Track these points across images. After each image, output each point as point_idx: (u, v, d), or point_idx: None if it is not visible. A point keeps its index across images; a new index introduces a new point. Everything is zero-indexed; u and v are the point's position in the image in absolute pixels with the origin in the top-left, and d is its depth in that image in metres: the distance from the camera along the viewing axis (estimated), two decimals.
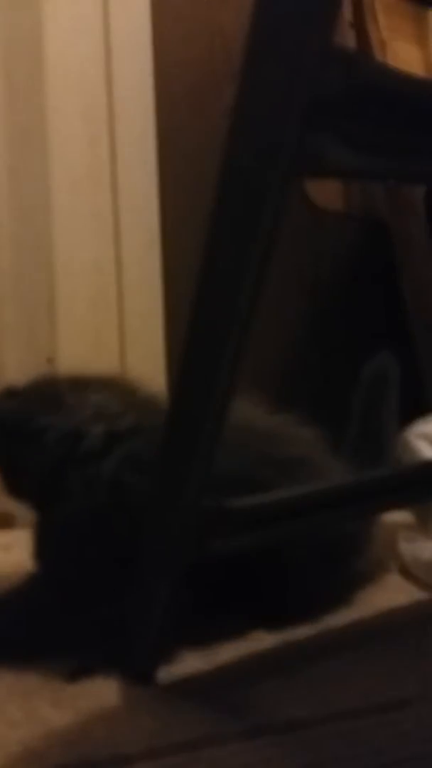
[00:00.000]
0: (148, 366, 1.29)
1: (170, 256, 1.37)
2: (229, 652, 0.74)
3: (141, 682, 0.68)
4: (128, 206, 1.35)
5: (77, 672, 0.70)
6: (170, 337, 1.34)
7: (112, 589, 0.70)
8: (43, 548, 0.76)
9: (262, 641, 0.76)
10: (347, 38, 1.41)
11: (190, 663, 0.71)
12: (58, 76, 1.30)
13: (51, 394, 0.77)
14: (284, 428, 0.84)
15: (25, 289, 1.29)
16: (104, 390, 0.78)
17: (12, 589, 0.76)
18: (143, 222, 1.36)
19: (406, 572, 0.94)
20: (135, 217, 1.35)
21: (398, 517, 1.01)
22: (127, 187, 1.35)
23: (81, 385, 0.78)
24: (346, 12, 1.40)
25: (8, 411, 0.75)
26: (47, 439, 0.73)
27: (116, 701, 0.65)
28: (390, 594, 0.88)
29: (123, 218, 1.35)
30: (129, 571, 0.66)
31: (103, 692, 0.67)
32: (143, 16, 1.36)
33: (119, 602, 0.68)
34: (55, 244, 1.29)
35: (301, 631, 0.78)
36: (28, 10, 1.28)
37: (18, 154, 1.29)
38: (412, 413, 1.08)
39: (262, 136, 0.52)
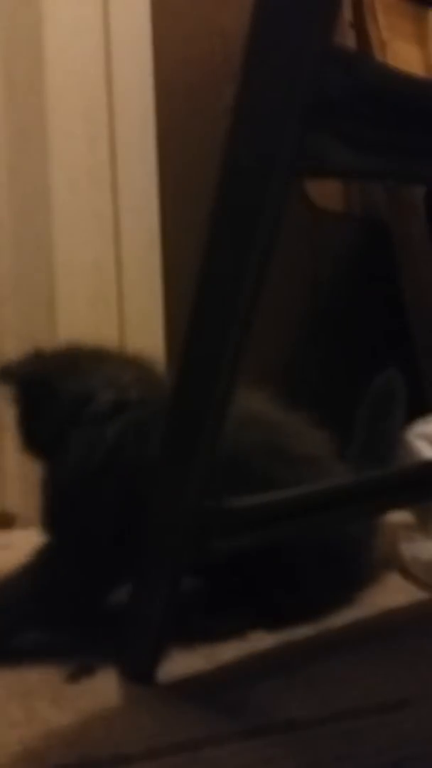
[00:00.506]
0: None
1: (170, 256, 1.37)
2: (229, 652, 0.74)
3: (141, 682, 0.68)
4: (128, 206, 1.35)
5: (77, 672, 0.70)
6: (170, 337, 1.34)
7: (105, 547, 0.74)
8: (43, 502, 0.80)
9: (262, 641, 0.76)
10: (347, 38, 1.41)
11: (190, 663, 0.71)
12: (58, 76, 1.30)
13: (71, 359, 0.83)
14: (300, 426, 0.86)
15: (25, 289, 1.29)
16: (121, 363, 0.84)
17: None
18: (143, 222, 1.36)
19: (406, 572, 0.94)
20: (135, 217, 1.35)
21: (398, 517, 1.01)
22: (127, 187, 1.35)
23: (102, 355, 0.84)
24: (346, 12, 1.40)
25: (29, 370, 0.82)
26: (60, 398, 0.79)
27: (116, 701, 0.65)
28: (390, 594, 0.88)
29: (123, 218, 1.35)
30: (121, 533, 0.70)
31: (103, 692, 0.67)
32: (143, 16, 1.36)
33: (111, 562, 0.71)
34: (55, 244, 1.29)
35: (301, 631, 0.78)
36: (28, 10, 1.28)
37: (18, 153, 1.29)
38: (412, 413, 1.08)
39: (262, 136, 0.52)
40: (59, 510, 0.78)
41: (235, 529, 0.68)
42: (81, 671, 0.70)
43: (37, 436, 0.82)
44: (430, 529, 0.98)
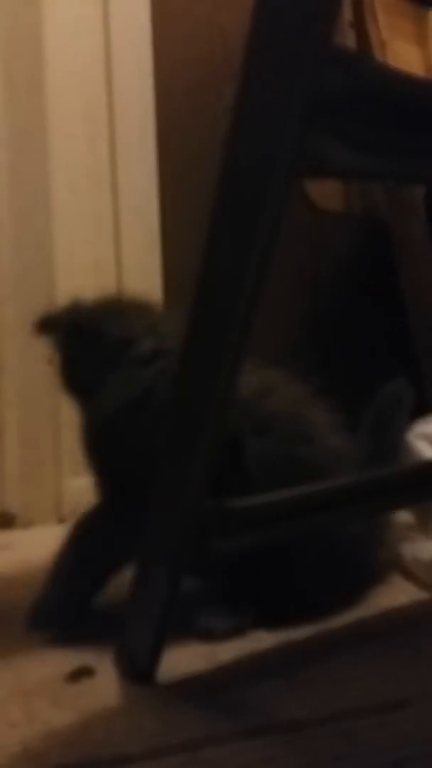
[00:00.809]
0: None
1: (170, 256, 1.37)
2: (229, 652, 0.74)
3: (141, 682, 0.68)
4: (128, 206, 1.35)
5: (77, 672, 0.70)
6: None
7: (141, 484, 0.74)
8: (84, 441, 0.84)
9: (262, 641, 0.76)
10: (347, 38, 1.41)
11: (190, 663, 0.71)
12: (58, 76, 1.30)
13: (114, 307, 0.88)
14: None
15: (25, 289, 1.29)
16: (160, 314, 0.90)
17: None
18: (143, 222, 1.36)
19: (406, 572, 0.94)
20: (135, 217, 1.35)
21: (398, 517, 1.01)
22: (127, 187, 1.35)
23: (142, 305, 0.90)
24: (346, 12, 1.40)
25: (75, 316, 0.86)
26: (103, 342, 0.84)
27: (116, 701, 0.65)
28: (390, 594, 0.88)
29: (123, 218, 1.35)
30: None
31: (103, 692, 0.67)
32: (143, 16, 1.36)
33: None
34: (55, 244, 1.29)
35: (301, 631, 0.78)
36: (28, 10, 1.28)
37: (18, 153, 1.29)
38: (412, 413, 1.08)
39: (262, 136, 0.52)
40: (99, 442, 0.82)
41: (235, 529, 0.68)
42: (81, 671, 0.70)
43: (78, 379, 0.87)
44: (430, 529, 0.98)
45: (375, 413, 0.96)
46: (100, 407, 0.82)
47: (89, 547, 0.82)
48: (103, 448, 0.82)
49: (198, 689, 0.67)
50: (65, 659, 0.72)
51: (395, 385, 0.98)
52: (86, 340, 0.84)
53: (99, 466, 0.83)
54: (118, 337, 0.83)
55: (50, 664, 0.72)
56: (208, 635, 0.76)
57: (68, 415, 1.29)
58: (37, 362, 1.29)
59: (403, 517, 1.02)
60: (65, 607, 0.81)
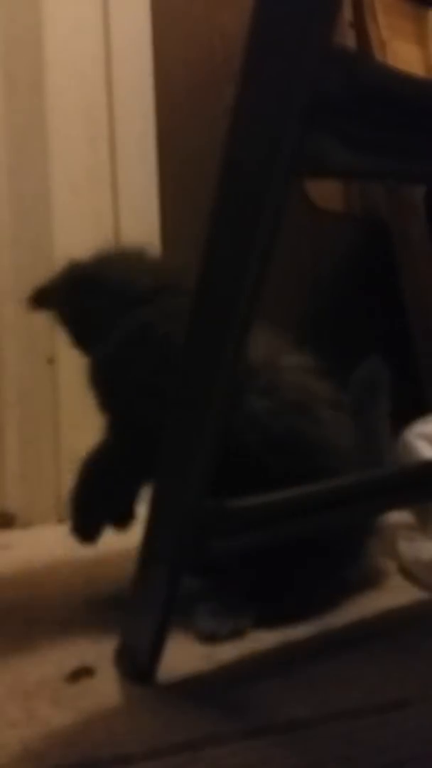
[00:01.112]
0: None
1: (170, 255, 1.37)
2: (229, 652, 0.74)
3: (141, 682, 0.68)
4: (128, 206, 1.35)
5: (77, 672, 0.70)
6: None
7: (140, 420, 0.80)
8: (92, 386, 0.86)
9: (262, 641, 0.76)
10: (347, 38, 1.41)
11: (190, 663, 0.71)
12: (58, 76, 1.30)
13: (110, 256, 0.91)
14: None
15: (25, 289, 1.29)
16: (155, 256, 0.93)
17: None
18: (143, 222, 1.36)
19: (406, 572, 0.94)
20: (135, 217, 1.35)
21: (398, 517, 1.01)
22: (127, 187, 1.35)
23: (139, 250, 0.92)
24: (346, 12, 1.40)
25: (70, 273, 0.90)
26: (104, 288, 0.87)
27: (116, 701, 0.65)
28: (390, 594, 0.88)
29: (123, 218, 1.35)
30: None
31: (103, 692, 0.67)
32: (143, 16, 1.36)
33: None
34: (55, 244, 1.29)
35: (301, 631, 0.78)
36: (28, 10, 1.28)
37: (18, 154, 1.29)
38: (412, 413, 1.08)
39: (262, 137, 0.52)
40: (102, 379, 0.85)
41: (235, 529, 0.68)
42: (81, 671, 0.70)
43: (86, 330, 0.89)
44: (430, 529, 0.98)
45: (353, 398, 0.95)
46: (101, 347, 0.85)
47: (98, 482, 0.85)
48: (106, 385, 0.85)
49: (198, 689, 0.67)
50: (65, 659, 0.72)
51: (367, 368, 0.98)
52: (86, 292, 0.87)
53: (104, 403, 0.85)
54: (117, 281, 0.86)
55: (50, 664, 0.72)
56: (210, 638, 0.76)
57: (68, 415, 1.30)
58: (37, 362, 1.29)
59: (403, 517, 1.02)
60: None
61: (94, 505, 0.85)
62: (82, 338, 0.90)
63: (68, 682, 0.69)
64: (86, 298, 0.87)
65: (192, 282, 0.75)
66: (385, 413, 0.97)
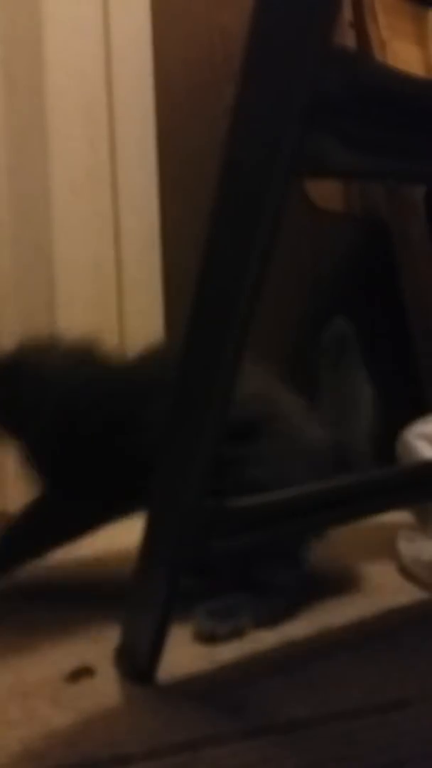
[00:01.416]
0: None
1: (170, 256, 1.37)
2: (229, 652, 0.74)
3: (141, 682, 0.68)
4: (128, 206, 1.35)
5: (77, 672, 0.70)
6: (170, 337, 1.34)
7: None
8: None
9: (262, 641, 0.76)
10: (347, 38, 1.41)
11: (190, 663, 0.71)
12: (58, 76, 1.30)
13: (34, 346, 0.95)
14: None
15: (25, 289, 1.29)
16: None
17: None
18: (143, 222, 1.36)
19: (406, 572, 0.94)
20: (135, 217, 1.35)
21: (398, 517, 1.01)
22: (127, 187, 1.35)
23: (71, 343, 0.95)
24: (346, 12, 1.40)
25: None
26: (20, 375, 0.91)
27: (116, 701, 0.65)
28: (390, 594, 0.88)
29: (123, 218, 1.35)
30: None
31: (103, 692, 0.67)
32: (143, 16, 1.36)
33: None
34: (55, 244, 1.29)
35: (301, 631, 0.78)
36: (28, 10, 1.28)
37: (18, 154, 1.29)
38: (412, 413, 1.08)
39: (262, 137, 0.52)
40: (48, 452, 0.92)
41: (235, 529, 0.68)
42: (81, 671, 0.70)
43: (11, 418, 0.94)
44: (430, 529, 0.98)
45: (326, 358, 1.00)
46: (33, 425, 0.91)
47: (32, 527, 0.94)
48: (36, 451, 0.92)
49: (198, 689, 0.67)
50: (65, 659, 0.72)
51: (336, 325, 1.03)
52: (7, 382, 0.91)
53: (36, 468, 0.93)
54: (32, 366, 0.91)
55: (50, 664, 0.72)
56: (210, 638, 0.76)
57: None
58: None
59: (403, 517, 1.02)
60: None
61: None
62: (9, 426, 0.94)
63: (68, 682, 0.69)
64: (9, 389, 0.91)
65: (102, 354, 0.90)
66: (357, 363, 1.00)
